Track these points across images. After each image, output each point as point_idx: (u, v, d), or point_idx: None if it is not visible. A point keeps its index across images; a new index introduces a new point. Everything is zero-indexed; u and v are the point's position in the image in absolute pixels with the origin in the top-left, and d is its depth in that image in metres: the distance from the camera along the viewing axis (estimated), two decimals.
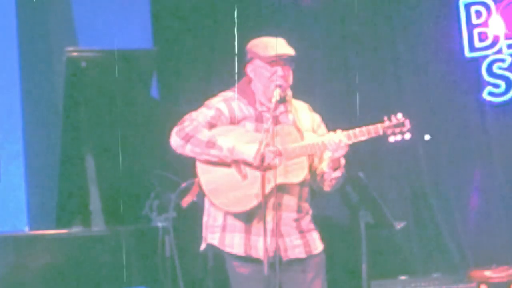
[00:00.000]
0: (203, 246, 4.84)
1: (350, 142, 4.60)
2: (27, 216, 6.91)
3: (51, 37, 7.54)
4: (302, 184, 4.76)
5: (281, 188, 4.71)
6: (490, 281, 6.33)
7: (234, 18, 7.54)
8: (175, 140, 4.65)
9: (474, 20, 7.23)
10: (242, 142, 4.59)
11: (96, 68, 5.57)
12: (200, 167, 4.68)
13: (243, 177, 4.61)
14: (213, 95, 5.46)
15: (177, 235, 5.72)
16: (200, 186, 4.70)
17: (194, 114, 4.66)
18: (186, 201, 4.89)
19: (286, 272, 4.75)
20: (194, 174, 5.20)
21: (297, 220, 4.75)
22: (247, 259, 4.68)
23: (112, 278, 5.48)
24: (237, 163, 4.63)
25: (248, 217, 4.68)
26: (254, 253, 4.66)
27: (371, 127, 4.67)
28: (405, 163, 7.55)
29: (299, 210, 4.77)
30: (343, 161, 4.74)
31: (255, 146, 4.55)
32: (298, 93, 4.79)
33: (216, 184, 4.68)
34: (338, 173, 4.70)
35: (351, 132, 4.59)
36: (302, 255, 4.76)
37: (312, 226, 4.87)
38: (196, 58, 7.85)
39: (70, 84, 5.56)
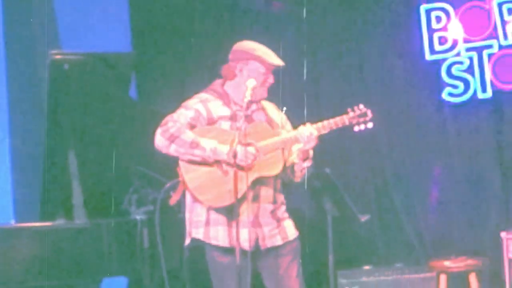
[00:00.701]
0: (187, 241, 4.97)
1: (319, 134, 4.76)
2: (13, 209, 7.03)
3: (36, 41, 7.62)
4: (276, 176, 4.89)
5: (259, 181, 4.84)
6: (449, 271, 6.53)
7: (209, 23, 7.93)
8: (160, 140, 4.76)
9: (434, 25, 7.42)
10: (221, 141, 4.70)
11: (78, 70, 5.62)
12: (184, 167, 4.80)
13: (224, 174, 4.74)
14: (189, 96, 5.63)
15: (155, 227, 5.70)
16: (185, 184, 4.83)
17: (175, 115, 4.78)
18: (174, 199, 5.03)
19: (265, 259, 4.93)
20: (170, 170, 5.33)
21: (273, 211, 4.89)
22: (231, 250, 4.80)
23: (94, 268, 5.61)
24: (218, 161, 4.75)
25: (230, 211, 4.79)
26: (237, 244, 4.83)
27: (337, 118, 4.83)
28: (369, 160, 7.72)
29: (274, 201, 4.90)
30: (311, 152, 4.87)
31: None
32: (270, 94, 4.91)
33: (200, 181, 4.79)
34: (308, 163, 4.85)
35: (320, 124, 4.76)
36: (279, 242, 4.90)
37: (286, 215, 5.01)
38: (172, 60, 7.98)
39: (54, 85, 5.65)
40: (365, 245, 7.65)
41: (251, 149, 4.77)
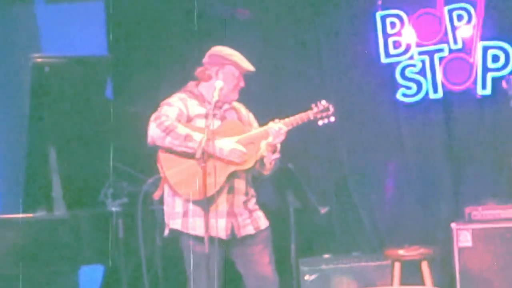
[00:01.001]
0: (166, 231, 5.24)
1: (288, 129, 5.09)
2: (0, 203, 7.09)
3: (18, 45, 7.63)
4: (247, 170, 5.21)
5: (233, 175, 5.15)
6: (403, 259, 6.70)
7: (180, 30, 7.97)
8: (155, 132, 5.01)
9: (389, 30, 7.58)
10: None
11: (58, 72, 5.80)
12: (164, 164, 5.10)
13: (202, 169, 4.94)
14: (161, 96, 5.87)
15: (129, 219, 6.05)
16: (166, 180, 5.15)
17: (164, 111, 5.06)
18: (157, 194, 5.33)
19: (239, 247, 5.25)
20: (144, 165, 6.00)
21: (245, 202, 5.20)
22: (208, 239, 5.00)
23: (72, 257, 5.79)
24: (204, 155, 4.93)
25: (207, 203, 5.01)
26: (214, 233, 5.04)
27: (302, 114, 5.17)
28: (328, 155, 7.83)
29: (246, 193, 5.21)
30: (278, 146, 5.17)
31: (227, 140, 5.05)
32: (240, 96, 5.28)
33: (180, 177, 5.08)
34: (276, 155, 5.14)
35: (287, 120, 5.09)
36: (252, 232, 5.21)
37: (256, 206, 5.32)
38: (146, 63, 8.01)
39: (35, 86, 5.81)
40: (325, 235, 7.75)
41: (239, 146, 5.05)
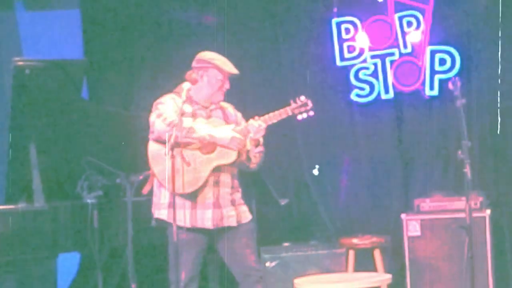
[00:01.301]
0: (153, 222, 5.36)
1: (267, 124, 5.18)
2: None
3: (1, 49, 7.80)
4: (232, 164, 5.25)
5: (218, 168, 5.22)
6: (357, 247, 6.87)
7: (152, 34, 8.24)
8: (161, 127, 5.14)
9: (344, 36, 7.83)
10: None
11: (38, 74, 5.86)
12: (153, 162, 5.25)
13: (187, 164, 5.15)
14: (133, 96, 6.30)
15: (104, 209, 6.21)
16: (155, 176, 5.30)
17: (163, 109, 5.21)
18: (146, 189, 5.55)
19: (223, 239, 5.34)
20: (117, 160, 6.22)
21: (231, 195, 5.29)
22: (192, 230, 5.24)
23: (51, 245, 5.89)
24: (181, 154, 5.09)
25: (193, 196, 5.22)
26: (200, 224, 5.21)
27: (282, 110, 5.23)
28: (288, 151, 8.04)
29: (232, 186, 5.31)
30: (261, 140, 5.26)
31: (227, 132, 5.17)
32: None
33: (167, 173, 5.13)
34: (260, 148, 5.26)
35: (266, 116, 5.16)
36: (234, 224, 5.27)
37: (242, 201, 5.41)
38: (119, 66, 8.31)
39: (17, 87, 5.90)
40: (285, 225, 7.97)
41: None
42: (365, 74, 7.82)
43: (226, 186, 5.33)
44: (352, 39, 7.85)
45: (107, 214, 6.36)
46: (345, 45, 7.85)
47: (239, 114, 5.49)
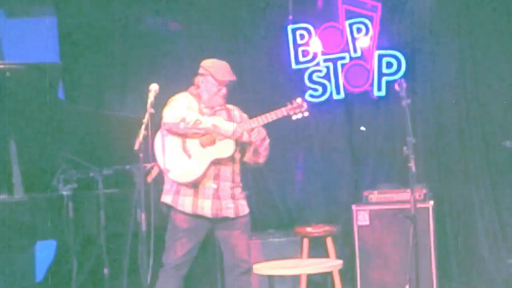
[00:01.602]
0: (161, 206, 5.53)
1: (263, 123, 5.35)
2: None
3: None
4: (233, 159, 5.43)
5: (219, 162, 5.37)
6: (310, 235, 6.98)
7: (122, 40, 8.47)
8: (171, 119, 5.31)
9: (299, 41, 8.12)
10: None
11: (18, 77, 5.94)
12: (157, 153, 5.42)
13: (188, 157, 5.38)
14: (106, 96, 6.45)
15: (78, 201, 6.19)
16: (159, 166, 5.50)
17: (175, 104, 5.37)
18: (151, 177, 5.72)
19: (221, 228, 5.49)
20: (90, 155, 6.33)
21: (231, 189, 5.44)
22: (193, 216, 5.43)
23: (30, 233, 6.00)
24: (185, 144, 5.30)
25: (195, 185, 5.38)
26: (200, 212, 5.38)
27: (278, 111, 5.36)
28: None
29: (233, 181, 5.46)
30: (263, 132, 5.41)
31: (230, 125, 5.30)
32: None
33: (170, 163, 5.40)
34: (267, 141, 5.45)
35: (263, 116, 5.35)
36: (231, 215, 5.42)
37: (242, 195, 5.56)
38: (92, 69, 8.50)
39: None
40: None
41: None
42: (318, 76, 8.10)
43: (227, 180, 5.47)
44: (306, 44, 8.13)
45: (81, 204, 6.35)
46: (300, 49, 8.13)
47: (245, 115, 5.62)
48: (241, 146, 5.54)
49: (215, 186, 5.41)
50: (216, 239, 5.67)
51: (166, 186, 5.56)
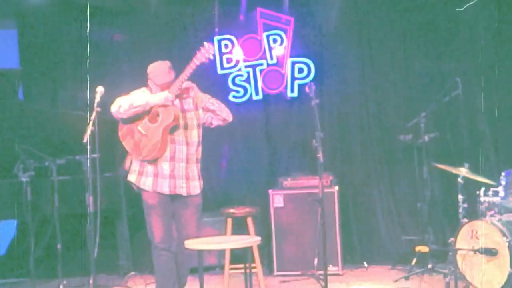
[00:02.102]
0: (131, 184, 5.70)
1: (185, 80, 5.54)
2: None
3: None
4: (189, 144, 5.61)
5: (174, 141, 5.56)
6: (234, 216, 7.07)
7: (73, 49, 8.69)
8: (123, 108, 5.51)
9: (224, 50, 8.52)
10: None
11: None
12: (122, 137, 5.62)
13: (145, 136, 5.56)
14: (60, 97, 7.37)
15: (35, 186, 6.76)
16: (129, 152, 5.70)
17: (118, 98, 5.56)
18: (126, 165, 5.95)
19: (176, 205, 5.67)
20: (45, 147, 6.78)
21: (186, 169, 5.62)
22: (155, 194, 5.60)
23: None
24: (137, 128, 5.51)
25: (155, 161, 5.56)
26: (159, 190, 5.58)
27: (191, 63, 5.51)
28: None
29: (187, 161, 5.64)
30: (192, 93, 5.63)
31: (161, 94, 5.49)
32: None
33: (131, 145, 5.63)
34: (213, 103, 5.69)
35: (182, 74, 5.53)
36: (184, 193, 5.62)
37: (196, 176, 5.69)
38: (47, 74, 8.84)
39: None
40: None
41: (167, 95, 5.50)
42: (240, 80, 8.53)
43: (182, 162, 5.62)
44: (230, 52, 8.53)
45: (38, 189, 6.91)
46: (224, 57, 8.53)
47: (201, 95, 5.75)
48: (184, 113, 5.66)
49: (170, 168, 5.57)
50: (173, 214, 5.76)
51: (133, 167, 5.75)
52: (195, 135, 5.77)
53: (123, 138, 5.69)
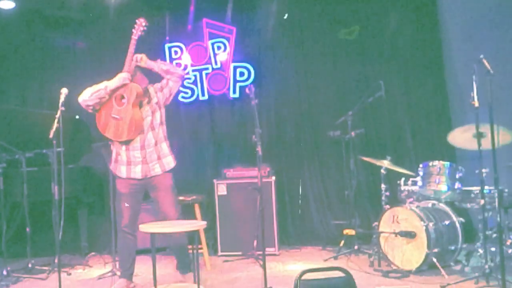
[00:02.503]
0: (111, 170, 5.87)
1: (130, 58, 5.74)
2: None
3: None
4: (152, 128, 5.77)
5: (141, 131, 5.76)
6: (183, 203, 7.10)
7: (39, 55, 8.94)
8: (87, 95, 5.69)
9: (173, 56, 8.82)
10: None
11: None
12: (106, 132, 5.72)
13: (116, 119, 5.73)
14: (27, 99, 7.74)
15: (7, 176, 6.91)
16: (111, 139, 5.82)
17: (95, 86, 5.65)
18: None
19: (152, 188, 5.88)
20: (16, 141, 6.89)
21: (155, 152, 5.85)
22: (128, 180, 5.84)
23: None
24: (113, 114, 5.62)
25: (127, 155, 5.76)
26: (133, 175, 5.83)
27: (131, 41, 5.73)
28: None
29: (155, 144, 5.83)
30: (157, 62, 5.81)
31: (118, 75, 5.65)
32: None
33: (114, 133, 5.74)
34: (152, 63, 5.80)
35: (127, 56, 5.71)
36: (159, 172, 5.84)
37: (167, 153, 5.86)
38: (17, 77, 9.04)
39: None
40: None
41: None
42: (188, 82, 8.81)
43: (151, 146, 5.82)
44: (179, 58, 8.80)
45: (9, 179, 7.09)
46: (174, 62, 8.72)
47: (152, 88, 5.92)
48: (145, 90, 5.89)
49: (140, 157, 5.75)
50: (152, 201, 5.97)
51: (113, 156, 5.98)
52: (157, 118, 5.96)
53: (103, 130, 5.84)
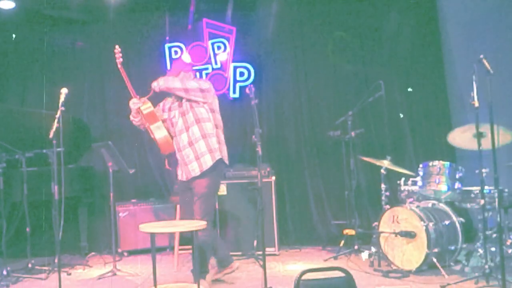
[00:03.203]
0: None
1: (131, 89, 5.80)
2: None
3: None
4: (187, 129, 5.82)
5: (170, 133, 5.87)
6: (176, 203, 7.12)
7: (39, 56, 8.81)
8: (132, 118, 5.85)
9: (174, 56, 8.65)
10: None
11: None
12: (168, 151, 5.91)
13: (172, 133, 5.91)
14: (26, 99, 7.70)
15: (7, 176, 6.80)
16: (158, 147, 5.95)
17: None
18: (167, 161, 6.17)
19: (189, 187, 5.90)
20: (15, 141, 6.82)
21: (193, 152, 5.83)
22: (179, 181, 5.99)
23: None
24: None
25: (173, 154, 5.89)
26: (180, 178, 5.95)
27: (124, 76, 5.76)
28: (133, 136, 8.58)
29: (190, 144, 5.83)
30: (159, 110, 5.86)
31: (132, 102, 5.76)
32: None
33: (172, 147, 5.89)
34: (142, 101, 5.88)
35: (128, 87, 5.77)
36: (198, 173, 5.82)
37: (205, 151, 5.81)
38: (18, 77, 8.89)
39: None
40: (132, 187, 8.65)
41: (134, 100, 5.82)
42: None
43: (186, 148, 5.85)
44: (179, 58, 8.61)
45: (9, 179, 7.00)
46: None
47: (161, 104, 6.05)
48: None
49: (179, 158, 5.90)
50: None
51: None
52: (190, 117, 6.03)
53: (164, 150, 6.03)
